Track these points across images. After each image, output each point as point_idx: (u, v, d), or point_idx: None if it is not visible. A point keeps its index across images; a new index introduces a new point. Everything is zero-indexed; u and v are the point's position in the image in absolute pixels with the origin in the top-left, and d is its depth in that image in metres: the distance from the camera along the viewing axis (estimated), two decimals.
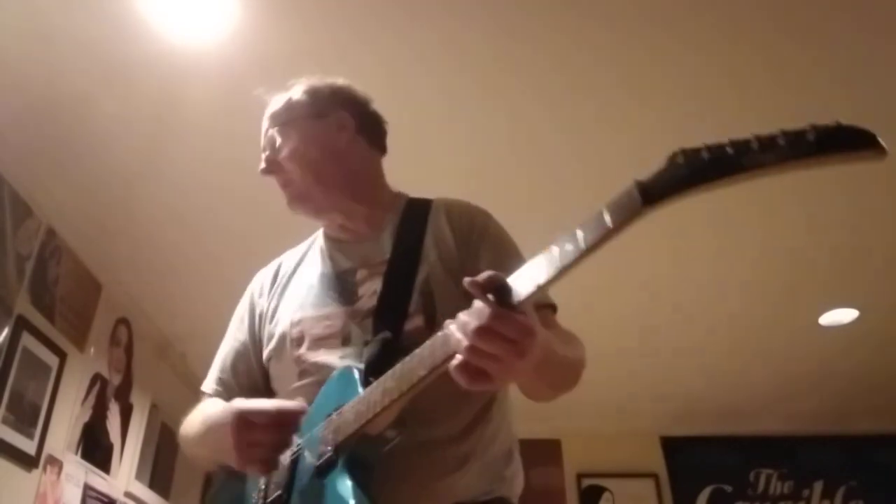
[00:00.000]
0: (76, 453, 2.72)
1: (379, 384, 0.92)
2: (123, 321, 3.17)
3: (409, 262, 1.09)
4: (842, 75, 2.09)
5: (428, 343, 0.85)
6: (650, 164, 0.66)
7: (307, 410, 1.01)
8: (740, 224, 2.74)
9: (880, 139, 0.53)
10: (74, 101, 2.15)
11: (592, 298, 3.19)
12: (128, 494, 3.16)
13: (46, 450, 2.49)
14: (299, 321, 1.13)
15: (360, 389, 0.96)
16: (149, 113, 2.20)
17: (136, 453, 3.29)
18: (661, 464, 4.44)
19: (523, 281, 0.74)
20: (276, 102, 1.25)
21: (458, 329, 0.77)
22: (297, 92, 1.24)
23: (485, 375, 0.77)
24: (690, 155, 0.60)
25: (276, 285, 1.24)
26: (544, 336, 0.83)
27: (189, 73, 2.06)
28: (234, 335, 1.25)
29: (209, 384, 1.24)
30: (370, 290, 1.10)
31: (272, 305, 1.21)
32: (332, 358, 1.06)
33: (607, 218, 0.65)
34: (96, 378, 2.90)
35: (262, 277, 1.29)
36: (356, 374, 1.00)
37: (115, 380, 3.09)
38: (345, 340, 1.07)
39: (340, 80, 1.27)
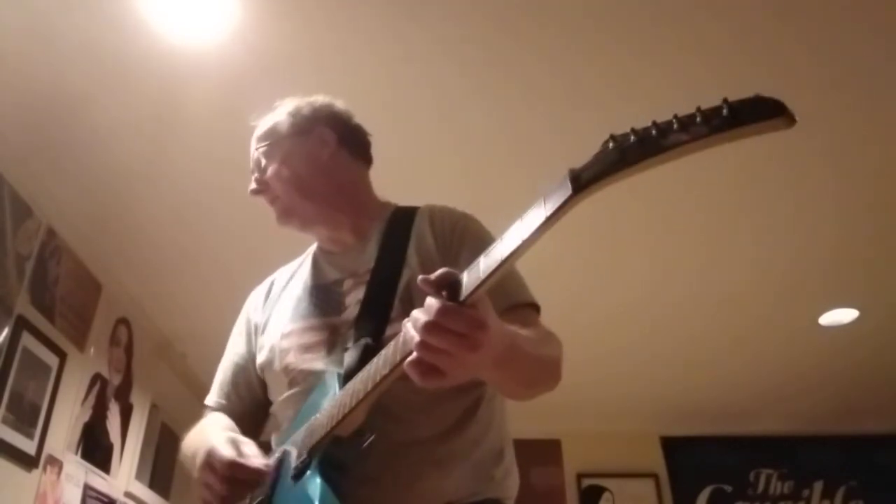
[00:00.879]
0: (76, 453, 2.72)
1: (349, 386, 0.93)
2: (123, 321, 3.17)
3: (392, 270, 1.11)
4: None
5: (392, 343, 0.86)
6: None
7: (268, 473, 1.02)
8: (741, 224, 2.74)
9: (789, 107, 0.55)
10: (75, 101, 2.15)
11: (592, 298, 3.19)
12: (128, 494, 3.16)
13: (46, 450, 2.49)
14: (288, 333, 1.16)
15: (338, 393, 0.97)
16: (149, 113, 2.20)
17: (136, 453, 3.29)
18: (661, 464, 4.44)
19: (474, 272, 0.75)
20: (262, 125, 1.30)
21: (412, 326, 0.77)
22: (279, 113, 1.30)
23: (437, 371, 0.77)
24: (619, 139, 0.62)
25: (269, 300, 1.28)
26: (506, 331, 0.84)
27: (189, 73, 2.06)
28: (234, 349, 1.29)
29: (211, 398, 1.27)
30: (355, 299, 1.12)
31: (265, 317, 1.25)
32: (317, 366, 1.09)
33: (543, 208, 0.67)
34: (96, 378, 2.90)
35: (257, 294, 1.33)
36: (337, 379, 1.01)
37: (115, 380, 3.09)
38: (330, 349, 1.09)
39: (321, 98, 1.32)
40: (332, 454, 0.94)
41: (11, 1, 1.85)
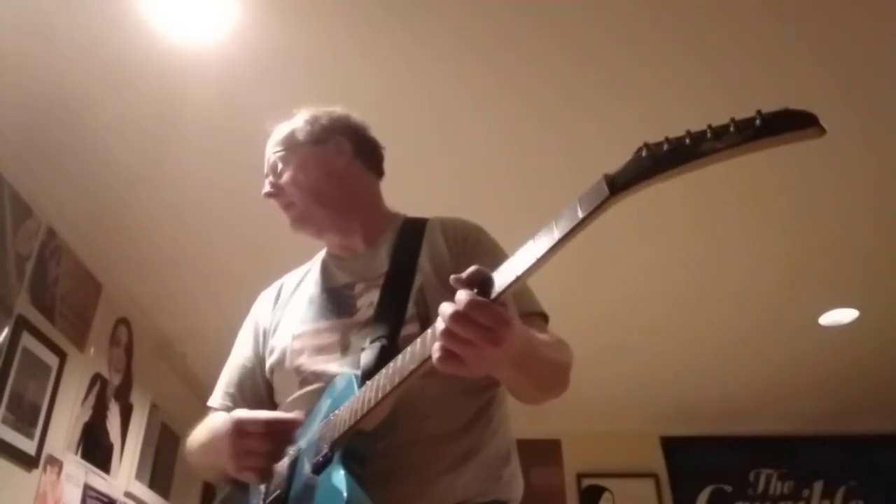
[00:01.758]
0: (76, 453, 2.72)
1: (373, 382, 0.95)
2: (123, 321, 3.17)
3: (405, 274, 1.14)
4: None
5: (418, 339, 0.89)
6: None
7: (302, 420, 1.06)
8: (741, 223, 2.74)
9: (820, 119, 0.59)
10: (75, 101, 2.15)
11: (592, 298, 3.19)
12: (128, 494, 3.16)
13: (46, 450, 2.49)
14: (300, 334, 1.18)
15: (357, 391, 0.99)
16: (149, 113, 2.20)
17: (136, 453, 3.29)
18: (661, 464, 4.44)
19: (505, 274, 0.79)
20: (279, 131, 1.32)
21: (440, 317, 0.80)
22: (297, 121, 1.32)
23: (458, 359, 0.80)
24: (653, 147, 0.66)
25: (278, 303, 1.30)
26: (525, 333, 0.88)
27: (189, 73, 2.06)
28: (240, 352, 1.30)
29: (216, 399, 1.28)
30: (367, 301, 1.15)
31: (275, 321, 1.27)
32: (331, 366, 1.10)
33: (578, 208, 0.71)
34: (96, 378, 2.90)
35: (266, 296, 1.35)
36: (353, 378, 1.03)
37: (115, 380, 3.09)
38: (344, 350, 1.11)
39: (339, 109, 1.35)
40: (354, 448, 0.96)
41: (12, 1, 1.85)
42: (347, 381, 1.04)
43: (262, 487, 1.07)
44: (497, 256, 1.16)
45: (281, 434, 1.04)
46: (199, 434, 1.20)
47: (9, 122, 2.21)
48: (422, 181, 2.35)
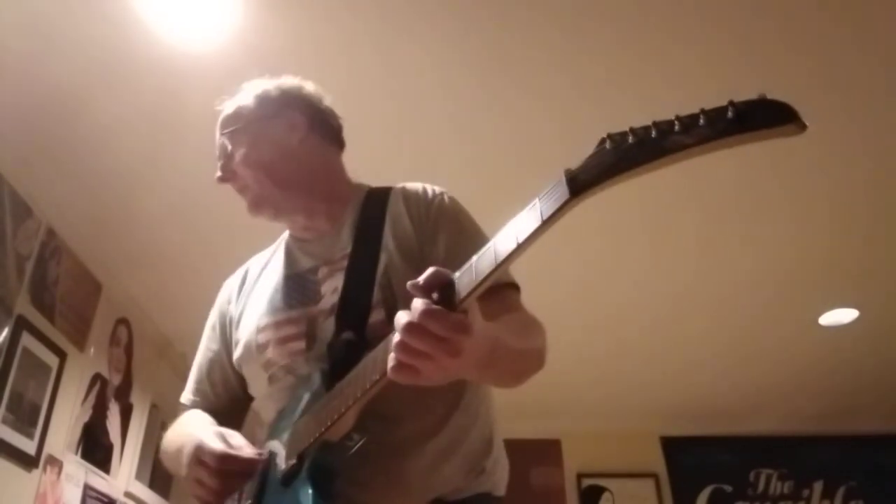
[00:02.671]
0: (76, 453, 2.72)
1: (338, 389, 0.91)
2: (123, 321, 3.17)
3: (369, 255, 1.07)
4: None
5: (381, 344, 0.84)
6: None
7: (259, 458, 1.00)
8: (741, 224, 2.74)
9: (799, 112, 0.52)
10: (74, 101, 2.15)
11: (592, 298, 3.19)
12: (128, 494, 3.16)
13: (46, 450, 2.49)
14: (264, 326, 1.12)
15: (324, 394, 0.96)
16: (149, 112, 2.20)
17: (136, 453, 3.29)
18: (661, 464, 4.44)
19: (467, 276, 0.73)
20: (226, 109, 1.24)
21: (395, 326, 0.75)
22: (245, 97, 1.24)
23: (413, 370, 0.75)
24: (617, 139, 0.59)
25: (243, 291, 1.24)
26: (489, 333, 0.82)
27: (188, 73, 2.06)
28: (208, 345, 1.26)
29: (187, 395, 1.24)
30: (332, 287, 1.08)
31: (239, 310, 1.21)
32: (298, 361, 1.05)
33: (539, 212, 0.65)
34: (96, 378, 2.90)
35: (231, 284, 1.29)
36: (320, 379, 0.99)
37: (115, 380, 3.09)
38: (310, 342, 1.05)
39: (289, 80, 1.26)
40: (322, 459, 0.92)
41: (12, 1, 1.85)
42: (315, 380, 1.00)
43: (236, 494, 1.02)
44: (462, 225, 1.12)
45: (232, 475, 0.97)
46: (172, 438, 1.15)
47: (9, 122, 2.21)
48: (427, 174, 2.34)
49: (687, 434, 4.47)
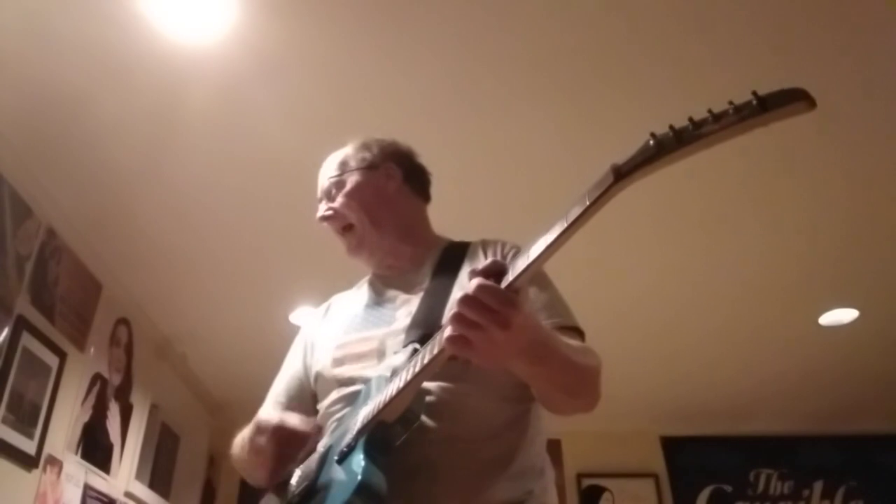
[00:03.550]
0: (76, 453, 2.72)
1: (398, 376, 1.01)
2: (123, 321, 3.17)
3: (444, 286, 1.19)
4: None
5: (438, 333, 0.93)
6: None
7: (316, 430, 1.12)
8: (741, 225, 2.74)
9: (809, 92, 0.63)
10: (74, 101, 2.15)
11: (591, 298, 3.19)
12: (128, 494, 3.16)
13: (46, 450, 2.49)
14: (343, 344, 1.24)
15: (385, 384, 1.05)
16: (149, 112, 2.20)
17: (136, 453, 3.29)
18: (661, 464, 4.45)
19: (521, 260, 0.82)
20: (332, 159, 1.39)
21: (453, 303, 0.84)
22: (349, 149, 1.40)
23: (466, 341, 0.83)
24: (659, 136, 0.70)
25: (326, 318, 1.38)
26: (542, 327, 0.92)
27: (189, 72, 2.05)
28: (291, 364, 1.37)
29: (266, 409, 1.32)
30: (406, 311, 1.20)
31: (321, 333, 1.34)
32: (367, 372, 1.15)
33: (586, 197, 0.75)
34: (96, 378, 2.90)
35: (315, 314, 1.44)
36: (383, 379, 1.07)
37: (115, 380, 3.09)
38: (380, 356, 1.16)
39: (387, 138, 1.42)
40: (376, 437, 1.00)
41: (11, 0, 1.85)
42: (378, 381, 1.08)
43: (294, 481, 1.12)
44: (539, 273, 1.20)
45: (286, 442, 1.09)
46: (241, 435, 1.26)
47: (9, 121, 2.21)
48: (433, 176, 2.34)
49: (687, 434, 4.47)
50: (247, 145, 2.34)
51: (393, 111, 2.19)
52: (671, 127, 0.69)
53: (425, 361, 0.93)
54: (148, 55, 1.99)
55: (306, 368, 1.32)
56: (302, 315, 3.12)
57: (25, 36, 1.93)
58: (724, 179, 2.48)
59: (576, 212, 0.75)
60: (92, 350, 2.86)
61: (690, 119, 0.68)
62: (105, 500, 2.93)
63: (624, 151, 0.73)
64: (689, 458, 4.45)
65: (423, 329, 1.10)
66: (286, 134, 2.27)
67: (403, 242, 1.32)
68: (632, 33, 1.97)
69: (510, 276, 0.82)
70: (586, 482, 4.39)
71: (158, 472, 3.67)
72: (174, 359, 3.66)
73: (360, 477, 0.94)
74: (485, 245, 1.28)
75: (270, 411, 1.21)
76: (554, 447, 4.53)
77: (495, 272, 0.84)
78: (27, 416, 2.39)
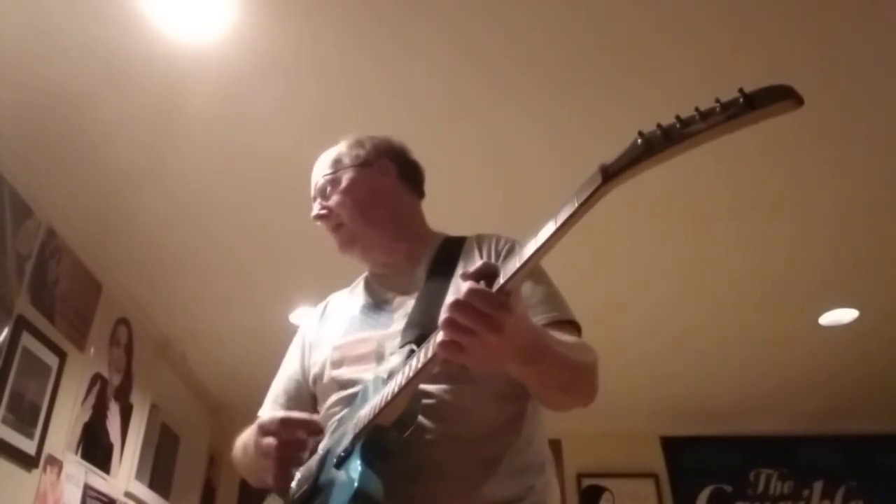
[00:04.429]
0: (76, 453, 2.72)
1: (393, 380, 1.00)
2: (123, 321, 3.17)
3: (440, 286, 1.18)
4: None
5: (431, 337, 0.92)
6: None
7: (316, 420, 1.11)
8: (741, 224, 2.74)
9: (796, 90, 0.63)
10: (74, 100, 2.15)
11: (591, 298, 3.18)
12: (128, 494, 3.16)
13: (46, 450, 2.49)
14: (340, 346, 1.23)
15: (382, 387, 1.04)
16: (149, 112, 2.20)
17: (136, 453, 3.29)
18: (661, 464, 4.45)
19: (511, 262, 0.81)
20: (325, 157, 1.39)
21: (444, 307, 0.83)
22: (342, 146, 1.39)
23: (458, 346, 0.82)
24: (647, 134, 0.69)
25: (323, 318, 1.37)
26: (536, 327, 0.91)
27: (189, 72, 2.05)
28: (289, 364, 1.37)
29: (265, 410, 1.33)
30: (403, 313, 1.20)
31: (318, 335, 1.33)
32: (366, 374, 1.15)
33: (575, 198, 0.74)
34: (96, 378, 2.90)
35: (312, 315, 1.42)
36: (381, 381, 1.07)
37: (115, 380, 3.09)
38: (378, 358, 1.16)
39: (381, 135, 1.42)
40: (373, 441, 1.00)
41: (10, 0, 1.85)
42: (375, 383, 1.08)
43: (294, 485, 1.12)
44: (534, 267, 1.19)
45: (293, 438, 1.08)
46: (241, 437, 1.26)
47: (8, 121, 2.21)
48: (429, 173, 2.34)
49: (687, 434, 4.47)
50: (247, 145, 2.34)
51: (391, 111, 2.19)
52: (659, 125, 0.68)
53: (419, 366, 0.93)
54: (148, 55, 1.99)
55: (304, 370, 1.32)
56: (302, 315, 3.12)
57: (25, 36, 1.93)
58: (722, 178, 2.47)
59: (565, 213, 0.75)
60: (92, 350, 2.86)
61: (678, 117, 0.67)
62: (105, 500, 2.93)
63: (615, 149, 0.72)
64: (688, 458, 4.45)
65: (419, 330, 1.10)
66: (286, 133, 2.27)
67: (399, 240, 1.31)
68: (616, 38, 1.98)
69: (501, 279, 0.81)
70: (586, 482, 4.39)
71: (158, 472, 3.67)
72: (174, 359, 3.66)
73: (356, 483, 0.94)
74: (479, 241, 1.27)
75: (270, 412, 1.21)
76: (554, 447, 4.47)
77: (487, 274, 0.82)
78: (27, 416, 2.39)
